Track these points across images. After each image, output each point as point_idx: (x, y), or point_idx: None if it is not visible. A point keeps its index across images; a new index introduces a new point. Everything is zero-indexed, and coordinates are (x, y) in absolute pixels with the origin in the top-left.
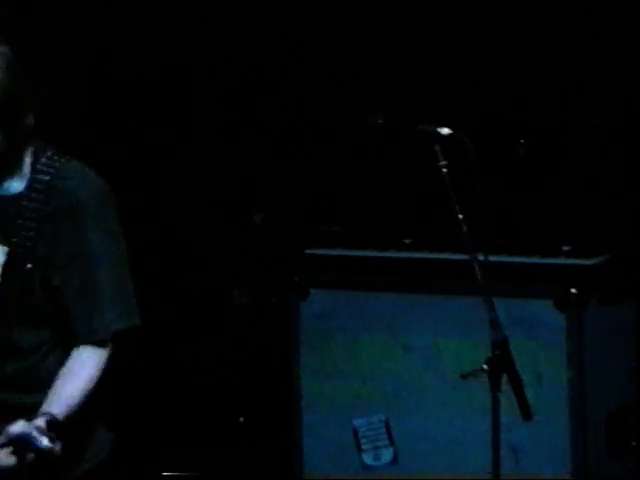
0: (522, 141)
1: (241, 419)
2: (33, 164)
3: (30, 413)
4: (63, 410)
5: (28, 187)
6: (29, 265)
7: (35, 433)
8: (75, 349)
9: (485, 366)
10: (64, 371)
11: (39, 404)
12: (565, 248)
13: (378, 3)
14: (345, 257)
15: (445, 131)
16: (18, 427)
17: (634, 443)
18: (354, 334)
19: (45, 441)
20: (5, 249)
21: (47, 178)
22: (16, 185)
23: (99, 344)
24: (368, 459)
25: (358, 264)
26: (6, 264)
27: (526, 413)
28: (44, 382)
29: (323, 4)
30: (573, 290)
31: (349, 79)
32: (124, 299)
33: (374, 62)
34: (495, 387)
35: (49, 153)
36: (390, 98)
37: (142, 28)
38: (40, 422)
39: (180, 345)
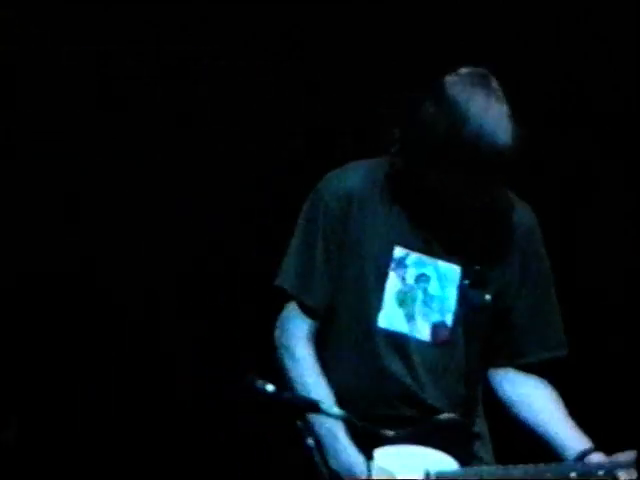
0: None
1: None
2: None
3: (474, 440)
4: None
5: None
6: (485, 285)
7: None
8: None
9: None
10: (551, 403)
11: (479, 431)
12: None
13: (378, 3)
14: None
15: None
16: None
17: None
18: None
19: None
20: (458, 268)
21: None
22: None
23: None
24: None
25: None
26: (463, 284)
27: None
28: (479, 408)
29: (323, 4)
30: None
31: (349, 78)
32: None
33: (374, 62)
34: None
35: None
36: (389, 98)
37: (142, 28)
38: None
39: None
